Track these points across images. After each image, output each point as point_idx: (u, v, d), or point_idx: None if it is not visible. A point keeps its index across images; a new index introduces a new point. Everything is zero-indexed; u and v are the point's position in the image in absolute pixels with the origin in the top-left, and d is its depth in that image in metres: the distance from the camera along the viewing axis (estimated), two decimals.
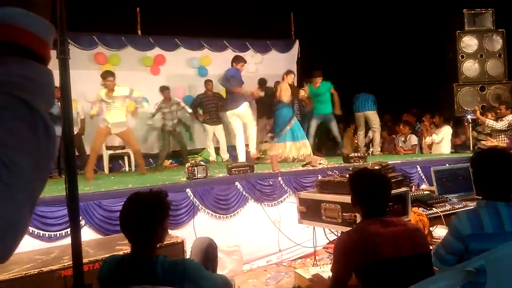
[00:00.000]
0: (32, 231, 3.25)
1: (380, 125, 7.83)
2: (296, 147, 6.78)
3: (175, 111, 7.56)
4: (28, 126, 0.58)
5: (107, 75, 5.63)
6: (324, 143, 8.51)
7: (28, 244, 3.15)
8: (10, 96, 0.58)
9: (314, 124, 7.56)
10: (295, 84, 7.71)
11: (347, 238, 1.99)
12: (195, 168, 4.30)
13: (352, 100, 7.91)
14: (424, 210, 3.47)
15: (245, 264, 4.14)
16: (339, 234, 3.28)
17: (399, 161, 5.68)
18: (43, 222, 3.32)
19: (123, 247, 2.85)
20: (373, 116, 7.72)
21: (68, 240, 3.02)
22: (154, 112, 7.52)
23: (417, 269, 1.91)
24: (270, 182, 4.57)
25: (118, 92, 5.65)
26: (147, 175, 5.83)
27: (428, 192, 4.00)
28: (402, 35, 8.67)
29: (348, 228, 2.84)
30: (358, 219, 2.78)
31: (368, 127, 8.00)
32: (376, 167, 3.25)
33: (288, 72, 7.20)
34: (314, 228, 3.44)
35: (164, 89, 7.53)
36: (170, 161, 7.96)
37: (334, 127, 7.57)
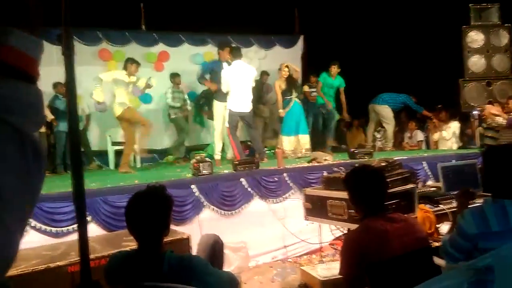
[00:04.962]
0: (39, 227, 3.27)
1: (392, 120, 7.75)
2: (291, 141, 6.76)
3: (182, 99, 7.49)
4: (17, 149, 0.57)
5: (133, 61, 5.77)
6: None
7: (35, 240, 3.17)
8: None
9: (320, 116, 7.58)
10: (298, 80, 7.68)
11: (356, 237, 1.97)
12: (201, 164, 4.31)
13: None
14: (431, 207, 3.45)
15: (251, 260, 4.14)
16: (345, 231, 3.28)
17: (405, 157, 5.65)
18: (50, 218, 3.34)
19: (130, 243, 2.85)
20: (382, 110, 7.67)
21: (74, 236, 3.02)
22: (168, 95, 7.40)
23: (421, 263, 1.95)
24: (275, 178, 4.56)
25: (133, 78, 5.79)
26: (151, 171, 5.82)
27: (435, 188, 3.97)
28: (407, 31, 8.60)
29: (354, 225, 2.83)
30: None
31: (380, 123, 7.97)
32: (383, 164, 3.23)
33: (281, 66, 7.12)
34: (320, 224, 3.43)
35: (174, 76, 7.50)
36: (175, 156, 7.96)
37: (333, 123, 7.60)
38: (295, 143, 6.73)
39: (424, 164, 5.49)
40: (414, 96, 7.82)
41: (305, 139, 6.79)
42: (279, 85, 6.82)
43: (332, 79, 7.49)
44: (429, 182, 5.21)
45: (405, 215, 2.52)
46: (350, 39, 8.93)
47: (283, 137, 6.81)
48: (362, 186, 2.07)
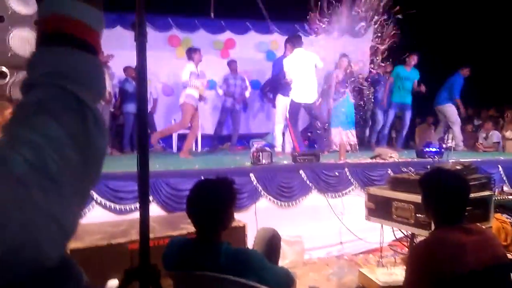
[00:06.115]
0: (104, 203, 3.42)
1: (457, 119, 7.24)
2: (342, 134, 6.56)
3: (239, 86, 7.41)
4: (79, 119, 0.55)
5: (197, 49, 5.84)
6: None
7: (99, 215, 3.32)
8: (59, 88, 0.55)
9: (392, 114, 7.23)
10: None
11: (428, 249, 1.79)
12: (260, 153, 4.28)
13: None
14: (508, 217, 3.15)
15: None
16: (408, 233, 3.09)
17: (478, 159, 5.22)
18: (115, 196, 3.48)
19: (187, 226, 2.88)
20: (445, 110, 7.20)
21: (136, 214, 3.13)
22: (221, 83, 7.43)
23: (498, 280, 1.77)
24: (336, 173, 4.41)
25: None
26: (210, 156, 5.89)
27: None
28: (490, 24, 7.91)
29: (421, 230, 2.64)
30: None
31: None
32: (458, 167, 2.98)
33: (342, 56, 6.82)
34: (382, 225, 3.26)
35: (232, 62, 7.48)
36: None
37: (408, 118, 7.20)
38: (343, 136, 6.57)
39: (500, 168, 5.04)
40: (466, 67, 7.10)
41: (352, 134, 6.67)
42: (336, 75, 6.61)
43: (407, 71, 7.04)
44: (506, 189, 4.78)
45: (480, 225, 2.32)
46: (427, 31, 8.36)
47: (332, 129, 6.63)
48: (443, 191, 1.86)
